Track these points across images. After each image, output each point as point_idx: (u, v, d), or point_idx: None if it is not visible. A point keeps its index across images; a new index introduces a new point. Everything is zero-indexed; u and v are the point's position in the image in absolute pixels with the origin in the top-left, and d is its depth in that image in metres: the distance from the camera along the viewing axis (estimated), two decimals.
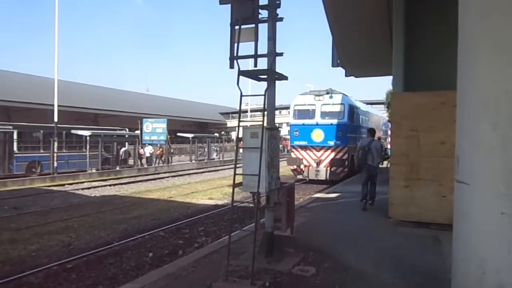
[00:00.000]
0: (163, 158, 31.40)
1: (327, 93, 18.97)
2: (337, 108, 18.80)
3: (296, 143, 19.23)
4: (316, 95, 19.18)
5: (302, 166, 18.98)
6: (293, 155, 19.40)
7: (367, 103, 32.09)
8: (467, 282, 3.11)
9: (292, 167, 19.66)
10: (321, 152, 18.74)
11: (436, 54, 8.87)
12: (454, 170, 3.30)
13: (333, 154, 18.52)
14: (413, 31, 9.30)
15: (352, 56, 17.08)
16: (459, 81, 3.32)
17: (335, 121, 18.59)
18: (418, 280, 5.08)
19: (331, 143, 18.55)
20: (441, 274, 5.01)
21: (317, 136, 18.78)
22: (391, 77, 12.72)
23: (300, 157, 18.98)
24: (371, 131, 11.03)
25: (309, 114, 19.06)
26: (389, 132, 24.22)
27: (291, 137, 19.98)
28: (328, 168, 18.48)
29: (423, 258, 5.95)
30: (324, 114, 18.81)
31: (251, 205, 7.57)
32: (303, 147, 19.02)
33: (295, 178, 18.99)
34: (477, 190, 3.05)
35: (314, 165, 18.76)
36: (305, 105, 19.29)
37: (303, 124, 19.04)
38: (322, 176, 18.51)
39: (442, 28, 8.14)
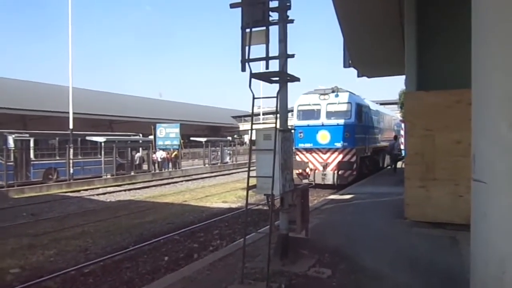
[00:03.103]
0: (171, 163, 31.53)
1: (333, 91, 17.97)
2: (343, 108, 17.71)
3: (301, 145, 18.07)
4: (321, 94, 18.08)
5: (307, 170, 17.91)
6: (297, 158, 17.84)
7: (380, 104, 31.70)
8: (486, 282, 3.06)
9: (297, 171, 17.63)
10: (328, 154, 17.69)
11: (450, 52, 8.76)
12: (471, 169, 3.26)
13: (340, 156, 17.45)
14: (426, 29, 9.20)
15: (364, 56, 16.84)
16: (474, 79, 3.27)
17: (341, 122, 17.53)
18: (436, 281, 5.01)
19: (338, 144, 17.50)
20: (459, 274, 4.93)
21: (323, 137, 17.74)
22: (404, 77, 12.63)
23: (305, 160, 17.87)
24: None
25: (314, 114, 18.00)
26: (401, 133, 23.96)
27: (295, 139, 17.93)
28: (336, 172, 17.40)
29: (440, 259, 5.86)
30: (330, 114, 17.78)
31: (265, 207, 7.55)
32: (308, 150, 18.00)
33: (301, 183, 18.30)
34: (494, 188, 3.00)
35: (321, 168, 17.71)
36: (309, 105, 18.19)
37: (308, 125, 17.96)
38: (329, 180, 17.43)
39: (455, 26, 8.04)
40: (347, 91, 18.15)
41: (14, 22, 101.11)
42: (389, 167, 24.01)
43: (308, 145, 17.94)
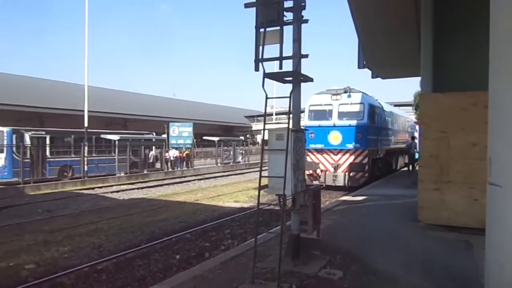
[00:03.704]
0: (184, 162, 31.71)
1: (345, 91, 17.56)
2: (356, 108, 17.34)
3: (312, 146, 17.46)
4: (333, 94, 17.68)
5: (318, 171, 17.49)
6: (308, 159, 16.95)
7: (395, 105, 31.37)
8: (501, 286, 3.02)
9: (307, 172, 16.53)
10: (339, 156, 17.29)
11: (467, 54, 8.64)
12: (487, 173, 3.22)
13: (352, 158, 17.06)
14: (442, 30, 9.09)
15: (379, 57, 16.69)
16: (491, 81, 3.23)
17: (354, 122, 17.13)
18: (449, 285, 4.95)
19: (350, 146, 17.10)
20: (473, 278, 4.85)
21: (335, 138, 17.33)
22: (419, 78, 12.49)
23: (316, 161, 17.44)
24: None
25: (326, 114, 17.62)
26: (415, 135, 23.67)
27: (306, 139, 17.97)
28: (347, 173, 17.01)
29: (454, 263, 5.79)
30: (341, 115, 17.40)
31: (277, 207, 7.55)
32: (319, 151, 17.58)
33: (311, 184, 17.86)
34: (511, 192, 2.95)
35: (332, 170, 17.30)
36: (321, 105, 17.80)
37: (319, 126, 17.51)
38: (340, 182, 17.03)
39: (472, 27, 7.94)
40: (360, 92, 17.85)
41: (31, 23, 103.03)
42: (405, 168, 23.89)
43: (319, 146, 17.58)
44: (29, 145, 21.44)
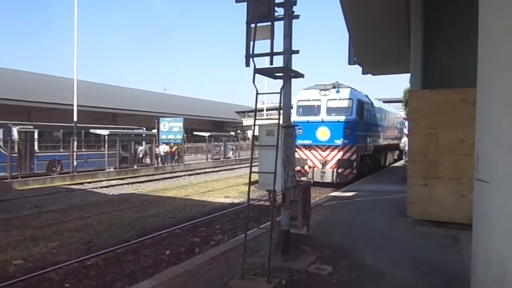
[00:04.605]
0: (176, 157, 31.60)
1: (334, 87, 17.38)
2: (344, 104, 17.15)
3: (300, 142, 17.01)
4: (322, 90, 17.45)
5: (306, 167, 17.32)
6: (296, 155, 17.06)
7: (385, 101, 31.45)
8: (487, 282, 3.06)
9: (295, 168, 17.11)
10: (327, 152, 17.09)
11: (456, 51, 8.71)
12: (474, 169, 3.25)
13: (340, 154, 16.87)
14: (432, 28, 9.15)
15: (369, 54, 16.72)
16: (479, 78, 3.26)
17: (342, 118, 16.93)
18: (437, 280, 5.01)
19: (338, 142, 16.92)
20: (460, 274, 4.93)
21: (323, 134, 17.15)
22: (409, 75, 12.57)
23: (304, 157, 17.26)
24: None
25: (314, 110, 17.42)
26: (404, 131, 23.77)
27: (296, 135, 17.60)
28: (335, 170, 16.85)
29: (442, 258, 5.86)
30: (330, 110, 17.22)
31: (267, 203, 7.58)
32: (307, 147, 17.32)
33: (299, 180, 17.54)
34: (497, 188, 2.99)
35: (320, 166, 17.10)
36: (309, 100, 17.57)
37: (307, 121, 17.17)
38: (328, 178, 16.85)
39: (462, 24, 7.99)
40: (349, 87, 17.75)
41: (23, 22, 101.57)
42: (402, 161, 24.12)
43: (307, 142, 17.33)
44: (17, 140, 21.17)
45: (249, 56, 5.44)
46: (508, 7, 2.99)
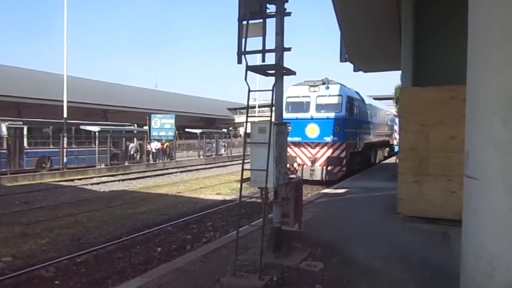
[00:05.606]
0: (167, 154, 31.49)
1: (323, 83, 17.14)
2: (334, 100, 16.93)
3: (289, 139, 17.00)
4: (311, 86, 17.23)
5: (295, 165, 16.99)
6: None
7: (376, 98, 31.57)
8: (476, 278, 3.10)
9: None
10: (317, 149, 16.87)
11: (446, 48, 8.76)
12: (464, 166, 3.28)
13: (330, 151, 16.65)
14: (423, 25, 9.19)
15: (360, 51, 16.74)
16: (469, 75, 3.29)
17: (331, 115, 16.68)
18: (427, 276, 5.06)
19: (328, 139, 16.68)
20: (450, 269, 4.97)
21: (312, 131, 16.86)
22: (400, 72, 12.62)
23: (293, 154, 16.87)
24: None
25: (303, 107, 17.18)
26: (395, 128, 23.74)
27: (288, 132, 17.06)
28: (324, 167, 16.62)
29: (432, 254, 5.91)
30: (319, 107, 16.97)
31: (259, 200, 7.57)
32: (296, 144, 16.99)
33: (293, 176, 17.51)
34: (486, 185, 3.03)
35: (309, 163, 16.84)
36: (298, 97, 17.33)
37: (296, 118, 16.78)
38: (318, 176, 16.58)
39: (452, 22, 8.03)
40: (338, 83, 17.52)
41: (14, 18, 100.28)
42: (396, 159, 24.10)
43: (296, 139, 16.94)
44: (6, 136, 20.94)
45: (241, 53, 5.42)
46: (497, 5, 3.02)
